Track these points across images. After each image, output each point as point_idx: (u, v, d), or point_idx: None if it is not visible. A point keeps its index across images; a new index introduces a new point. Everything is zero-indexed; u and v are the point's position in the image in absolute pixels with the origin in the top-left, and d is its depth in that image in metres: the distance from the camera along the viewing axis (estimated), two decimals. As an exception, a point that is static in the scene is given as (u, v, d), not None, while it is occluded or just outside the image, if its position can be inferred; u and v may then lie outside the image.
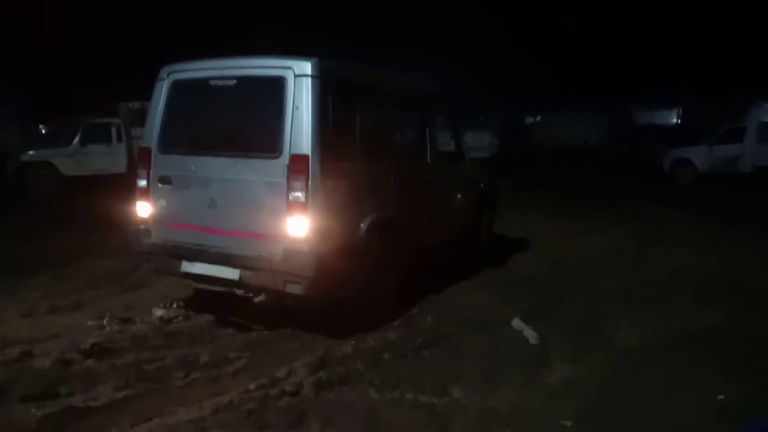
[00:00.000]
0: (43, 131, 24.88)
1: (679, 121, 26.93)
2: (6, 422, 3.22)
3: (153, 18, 26.60)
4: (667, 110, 27.49)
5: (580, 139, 26.15)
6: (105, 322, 4.83)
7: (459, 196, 6.55)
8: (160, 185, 4.77)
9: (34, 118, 23.50)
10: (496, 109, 26.73)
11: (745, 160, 14.97)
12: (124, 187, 13.61)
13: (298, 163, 4.17)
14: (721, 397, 3.58)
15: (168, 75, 4.83)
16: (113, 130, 14.86)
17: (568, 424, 3.33)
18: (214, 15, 27.76)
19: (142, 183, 4.85)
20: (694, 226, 9.23)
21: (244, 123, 4.61)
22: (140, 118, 15.54)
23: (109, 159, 14.66)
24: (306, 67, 4.25)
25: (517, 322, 4.94)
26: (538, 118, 29.55)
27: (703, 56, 29.58)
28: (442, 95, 6.71)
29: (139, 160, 4.96)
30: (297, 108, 4.20)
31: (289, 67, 4.28)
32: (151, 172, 4.81)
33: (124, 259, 6.90)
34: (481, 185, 7.14)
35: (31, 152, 14.27)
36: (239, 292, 4.58)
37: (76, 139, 14.39)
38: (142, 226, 4.87)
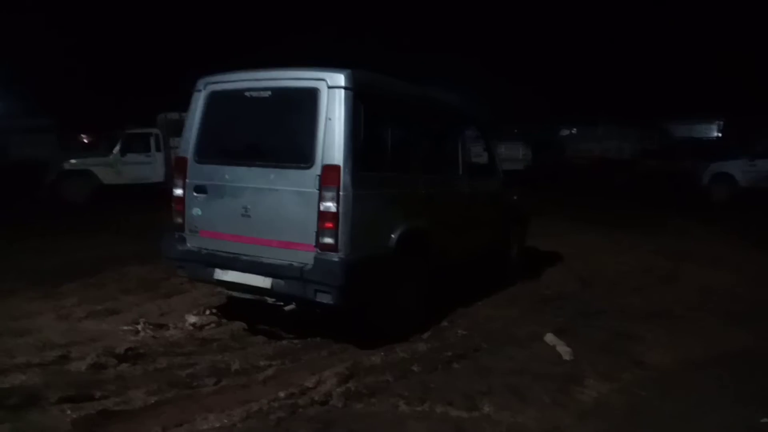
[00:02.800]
0: (85, 141, 25.67)
1: (720, 134, 26.25)
2: (41, 424, 3.29)
3: (191, 31, 27.23)
4: (706, 123, 26.82)
5: (613, 152, 25.70)
6: (139, 327, 4.91)
7: (490, 209, 6.52)
8: (195, 194, 4.86)
9: (74, 129, 24.21)
10: (531, 122, 26.52)
11: (789, 176, 14.53)
12: (161, 196, 14.03)
13: (329, 173, 4.21)
14: (765, 420, 3.45)
15: (205, 86, 4.94)
16: (152, 140, 15.23)
17: (600, 442, 3.26)
18: (250, 27, 28.28)
19: (178, 192, 4.95)
20: (730, 245, 9.00)
21: (278, 133, 4.68)
22: (178, 129, 15.88)
23: (148, 168, 15.02)
24: (339, 78, 4.29)
25: (550, 337, 4.87)
26: (574, 130, 29.17)
27: (746, 68, 28.90)
28: (474, 109, 6.73)
29: (175, 169, 5.06)
30: (329, 119, 4.25)
31: (323, 79, 4.33)
32: (187, 181, 4.91)
33: (159, 267, 7.05)
34: (514, 198, 7.09)
35: (72, 161, 14.72)
36: (270, 300, 4.63)
37: (116, 148, 14.80)
38: (177, 234, 4.97)
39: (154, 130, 15.51)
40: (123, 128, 15.40)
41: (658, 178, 19.00)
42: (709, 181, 16.25)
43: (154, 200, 13.13)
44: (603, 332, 5.17)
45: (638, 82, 31.79)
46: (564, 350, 4.65)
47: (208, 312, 5.25)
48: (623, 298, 6.34)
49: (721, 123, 26.73)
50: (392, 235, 4.66)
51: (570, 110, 30.37)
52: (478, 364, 4.40)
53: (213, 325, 5.04)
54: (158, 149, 15.25)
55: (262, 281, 4.48)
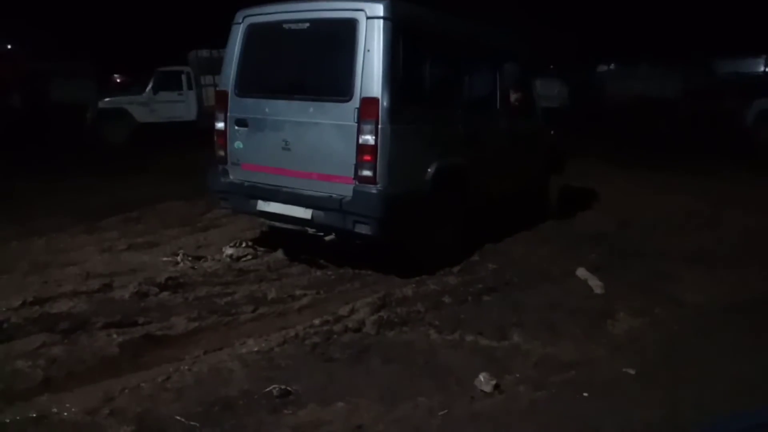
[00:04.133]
0: (118, 80, 25.83)
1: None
2: (90, 347, 3.44)
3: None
4: (753, 58, 25.47)
5: (656, 91, 24.74)
6: (179, 258, 5.06)
7: (528, 147, 6.41)
8: (236, 127, 4.92)
9: (109, 70, 24.32)
10: (568, 58, 25.61)
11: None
12: (194, 135, 14.18)
13: (368, 106, 4.21)
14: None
15: (243, 19, 4.92)
16: (183, 78, 15.23)
17: (632, 372, 3.28)
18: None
19: (220, 125, 5.02)
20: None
21: (317, 66, 4.67)
22: (209, 66, 15.86)
23: (180, 106, 15.11)
24: (378, 8, 4.23)
25: (582, 272, 4.86)
26: (612, 66, 28.06)
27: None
28: (514, 44, 6.52)
29: (216, 103, 5.11)
30: (368, 51, 4.21)
31: (361, 9, 4.27)
32: (228, 114, 4.95)
33: (196, 203, 7.22)
34: (551, 137, 6.95)
35: (107, 99, 14.86)
36: (311, 230, 4.74)
37: (149, 87, 14.87)
38: (220, 167, 5.05)
39: (186, 68, 15.48)
40: (154, 67, 15.40)
41: (702, 118, 18.28)
42: (753, 120, 15.56)
43: (189, 139, 13.38)
44: (639, 271, 5.13)
45: (680, 17, 30.17)
46: (596, 284, 4.65)
47: (244, 245, 5.36)
48: (662, 239, 6.23)
49: (769, 57, 25.37)
50: (429, 170, 4.68)
51: (610, 48, 29.16)
52: (509, 297, 4.44)
53: (249, 257, 5.15)
54: (190, 87, 15.27)
55: (303, 212, 4.58)
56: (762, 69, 24.86)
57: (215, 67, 16.30)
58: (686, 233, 6.51)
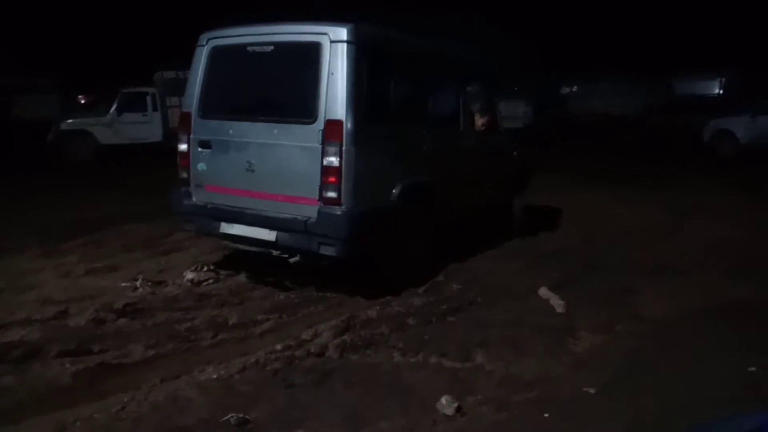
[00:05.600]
0: (82, 101, 25.44)
1: (722, 91, 25.89)
2: (42, 377, 3.35)
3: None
4: (709, 80, 26.43)
5: (618, 109, 25.40)
6: (138, 283, 4.95)
7: (492, 164, 6.49)
8: (199, 149, 4.90)
9: (74, 89, 23.95)
10: (532, 79, 26.15)
11: (789, 132, 14.34)
12: (159, 155, 14.00)
13: (332, 128, 4.24)
14: (753, 369, 3.50)
15: (207, 41, 4.93)
16: (148, 99, 15.09)
17: (592, 391, 3.30)
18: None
19: (183, 147, 4.99)
20: (732, 200, 8.94)
21: (281, 88, 4.70)
22: (175, 87, 15.74)
23: (145, 128, 14.94)
24: (341, 33, 4.28)
25: (543, 291, 4.90)
26: (575, 88, 28.77)
27: (748, 24, 28.31)
28: (477, 64, 6.64)
29: (180, 125, 5.09)
30: (332, 74, 4.25)
31: (325, 33, 4.32)
32: (191, 136, 4.93)
33: (159, 225, 7.10)
34: (515, 154, 7.05)
35: (69, 121, 14.62)
36: (275, 252, 4.74)
37: (113, 108, 14.68)
38: (183, 189, 5.01)
39: (151, 89, 15.34)
40: (119, 88, 15.22)
41: (662, 135, 18.80)
42: (710, 138, 16.09)
43: (154, 159, 13.20)
44: (602, 286, 5.19)
45: (642, 38, 31.14)
46: (557, 303, 4.69)
47: (206, 268, 5.28)
48: (625, 252, 6.34)
49: (724, 79, 26.33)
50: (394, 190, 4.71)
51: (573, 67, 29.87)
52: (473, 317, 4.45)
53: (211, 281, 5.08)
54: (155, 108, 15.12)
55: (268, 234, 4.58)
56: (716, 90, 25.80)
57: (181, 87, 16.19)
58: (648, 245, 6.64)
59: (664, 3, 31.47)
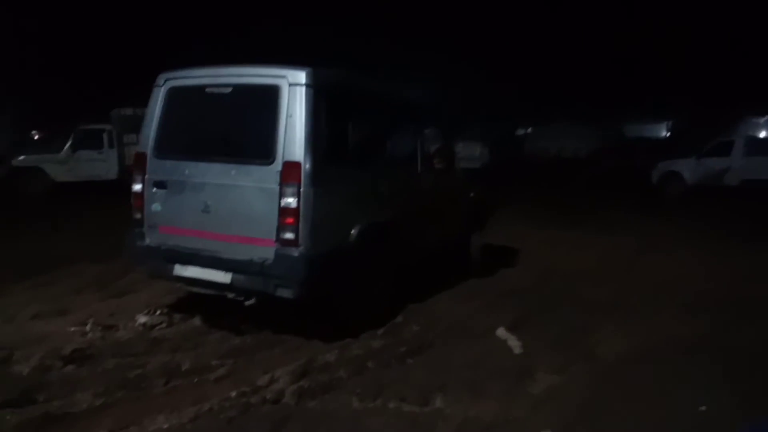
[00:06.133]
0: (35, 137, 24.88)
1: (669, 134, 27.12)
2: (-20, 429, 3.18)
3: (146, 26, 26.61)
4: (656, 123, 27.69)
5: (571, 151, 26.30)
6: (88, 328, 4.79)
7: (449, 204, 6.57)
8: (155, 189, 4.82)
9: (28, 125, 23.47)
10: (488, 120, 26.86)
11: (732, 174, 15.08)
12: (114, 194, 13.68)
13: (290, 169, 4.25)
14: (703, 408, 3.58)
15: (165, 82, 4.91)
16: (105, 137, 14.87)
17: (549, 433, 3.32)
18: (207, 22, 27.81)
19: (137, 187, 4.91)
20: (681, 239, 9.27)
21: (239, 130, 4.70)
22: (132, 125, 15.56)
23: (100, 165, 14.69)
24: (300, 76, 4.33)
25: (501, 332, 4.94)
26: (529, 129, 29.72)
27: (695, 70, 29.86)
28: (435, 106, 6.78)
29: (135, 165, 5.01)
30: (290, 116, 4.28)
31: (284, 76, 4.37)
32: (146, 176, 4.86)
33: (111, 265, 6.89)
34: (471, 195, 7.17)
35: (21, 157, 14.26)
36: (230, 295, 4.64)
37: (67, 144, 14.40)
38: (137, 230, 4.91)
39: (107, 126, 15.14)
40: (75, 124, 14.96)
41: (613, 176, 19.47)
42: (658, 180, 16.72)
43: (108, 198, 12.90)
44: (558, 325, 5.26)
45: (595, 83, 32.47)
46: (515, 344, 4.73)
47: (159, 312, 5.15)
48: (580, 291, 6.44)
49: (670, 123, 27.63)
50: (353, 230, 4.71)
51: (527, 109, 30.88)
52: (432, 359, 4.44)
53: (164, 324, 4.94)
54: (111, 146, 14.89)
55: (223, 276, 4.50)
56: (663, 133, 27.04)
57: (138, 125, 16.03)
58: (601, 284, 6.76)
59: (614, 50, 32.93)
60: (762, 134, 19.31)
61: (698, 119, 23.25)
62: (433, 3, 33.10)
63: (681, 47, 30.37)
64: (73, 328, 4.81)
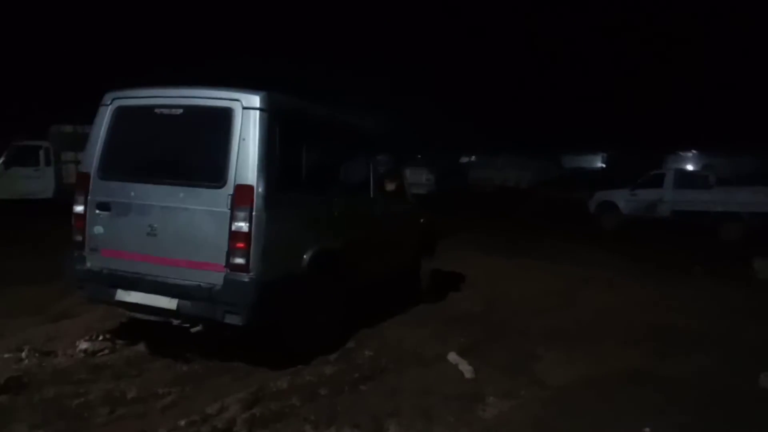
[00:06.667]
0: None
1: (604, 165, 28.38)
2: None
3: (88, 42, 25.92)
4: (592, 155, 28.96)
5: (513, 181, 27.10)
6: (24, 354, 4.55)
7: (401, 230, 6.65)
8: (97, 211, 4.66)
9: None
10: (432, 148, 27.40)
11: (663, 205, 15.77)
12: (50, 213, 13.12)
13: (242, 193, 4.18)
14: (647, 429, 3.72)
15: (112, 101, 4.79)
16: (41, 154, 14.27)
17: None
18: (152, 43, 27.33)
19: (79, 208, 4.73)
20: (620, 269, 9.66)
21: (189, 152, 4.62)
22: (71, 142, 15.04)
23: (36, 183, 14.08)
24: (254, 100, 4.31)
25: (453, 356, 4.99)
26: (473, 158, 30.46)
27: (630, 105, 31.46)
28: (386, 133, 6.88)
29: (77, 185, 4.82)
30: (243, 139, 4.24)
31: (237, 99, 4.33)
32: (89, 197, 4.70)
33: (47, 288, 6.60)
34: (422, 221, 7.27)
35: (-52, 173, 13.49)
36: (176, 322, 4.50)
37: (0, 161, 13.73)
38: (77, 253, 4.72)
39: (44, 143, 14.55)
40: (9, 140, 14.31)
41: (552, 205, 20.11)
42: (595, 209, 17.36)
43: (44, 217, 12.35)
44: (505, 352, 5.35)
45: (534, 116, 33.70)
46: (466, 368, 4.78)
47: (101, 337, 4.94)
48: (524, 319, 6.58)
49: (605, 155, 28.94)
50: (305, 256, 4.68)
51: (471, 138, 31.67)
52: (385, 385, 4.43)
53: (107, 351, 4.75)
54: (48, 163, 14.30)
55: (168, 302, 4.35)
56: (599, 164, 28.29)
57: (78, 142, 15.57)
58: (546, 313, 6.94)
59: (553, 84, 34.34)
60: (690, 167, 20.43)
61: (631, 152, 24.42)
62: (379, 32, 33.74)
63: (617, 83, 32.02)
64: (7, 355, 4.56)
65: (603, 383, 4.69)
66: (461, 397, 4.25)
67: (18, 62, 24.16)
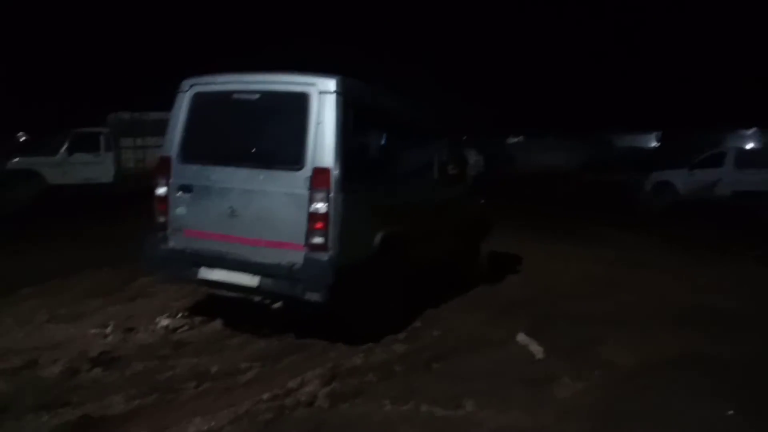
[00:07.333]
0: (22, 139, 24.64)
1: (659, 144, 27.46)
2: (18, 432, 3.17)
3: (146, 33, 26.53)
4: (646, 134, 28.05)
5: (562, 162, 26.50)
6: (108, 330, 4.77)
7: (462, 215, 6.68)
8: (179, 193, 4.83)
9: (16, 130, 23.23)
10: (480, 129, 27.04)
11: (723, 185, 15.27)
12: (110, 197, 13.63)
13: (320, 175, 4.29)
14: (731, 412, 3.66)
15: (190, 87, 4.93)
16: (102, 140, 14.75)
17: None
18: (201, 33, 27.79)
19: (161, 191, 4.90)
20: (669, 253, 9.44)
21: (267, 136, 4.71)
22: (130, 129, 15.51)
23: (97, 168, 14.58)
24: (330, 84, 4.40)
25: (522, 337, 5.00)
26: (521, 138, 29.96)
27: (687, 83, 30.38)
28: (444, 117, 6.89)
29: (158, 169, 4.99)
30: (320, 123, 4.34)
31: (313, 84, 4.43)
32: (171, 180, 4.86)
33: (118, 270, 6.87)
34: (482, 202, 7.28)
35: (16, 160, 14.10)
36: (257, 298, 4.69)
37: (63, 147, 14.28)
38: (160, 233, 4.90)
39: (104, 130, 15.04)
40: (71, 127, 14.86)
41: (603, 188, 19.67)
42: (650, 190, 16.92)
43: (105, 201, 12.83)
44: (569, 335, 5.31)
45: (583, 95, 32.90)
46: (536, 349, 4.79)
47: (180, 315, 5.14)
48: (580, 302, 6.49)
49: (659, 134, 27.97)
50: (375, 238, 4.77)
51: (518, 122, 31.17)
52: (457, 365, 4.48)
53: (186, 327, 4.94)
54: (108, 149, 14.79)
55: (250, 279, 4.50)
56: (653, 144, 27.39)
57: (136, 129, 16.09)
58: (603, 297, 6.82)
59: (604, 62, 33.42)
60: (751, 146, 19.66)
61: (688, 131, 23.54)
62: (424, 9, 33.42)
63: (672, 58, 30.93)
64: (93, 331, 4.79)
65: (673, 367, 4.64)
66: (534, 378, 4.26)
67: (77, 52, 24.96)
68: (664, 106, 29.35)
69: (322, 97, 4.37)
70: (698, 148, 17.42)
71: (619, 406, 3.90)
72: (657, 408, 3.84)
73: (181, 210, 4.82)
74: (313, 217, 4.31)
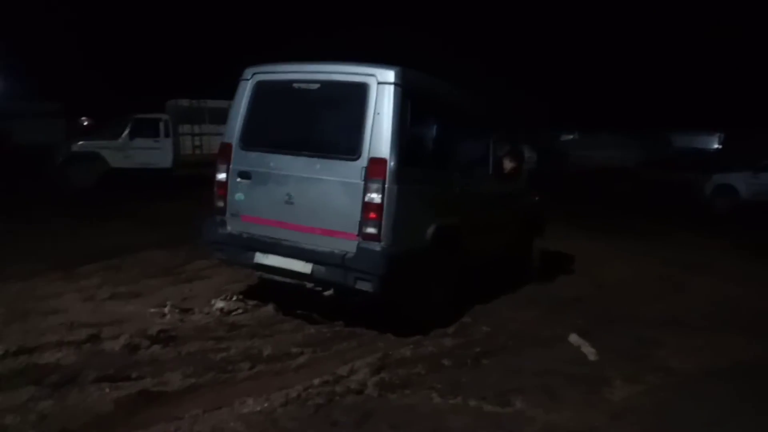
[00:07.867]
0: (84, 123, 25.64)
1: (721, 146, 26.36)
2: (82, 403, 3.30)
3: (200, 20, 27.15)
4: (707, 135, 26.96)
5: (617, 161, 25.77)
6: (166, 310, 4.93)
7: (514, 210, 6.60)
8: (239, 179, 4.94)
9: (80, 114, 24.18)
10: (534, 124, 26.58)
11: (791, 191, 14.55)
12: (168, 182, 14.04)
13: (376, 165, 4.32)
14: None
15: (252, 75, 5.03)
16: (161, 126, 15.19)
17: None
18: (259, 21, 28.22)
19: (221, 176, 5.02)
20: (734, 257, 9.11)
21: (325, 125, 4.78)
22: (188, 116, 15.94)
23: (156, 153, 15.00)
24: (389, 75, 4.41)
25: (574, 338, 4.92)
26: (575, 135, 29.26)
27: (747, 82, 29.10)
28: (504, 114, 6.80)
29: (219, 155, 5.11)
30: (378, 113, 4.36)
31: (373, 75, 4.45)
32: (231, 166, 4.97)
33: (175, 252, 7.10)
34: (535, 199, 7.17)
35: (80, 142, 14.68)
36: (309, 285, 4.77)
37: (125, 132, 14.77)
38: (218, 218, 5.03)
39: (164, 116, 15.48)
40: (132, 113, 15.36)
41: (659, 188, 19.07)
42: (711, 192, 16.29)
43: (161, 187, 13.24)
44: (623, 336, 5.21)
45: (641, 92, 31.94)
46: (589, 351, 4.70)
47: (234, 298, 5.26)
48: (637, 304, 6.38)
49: (722, 135, 26.84)
50: (428, 230, 4.76)
51: (572, 118, 30.48)
52: (506, 362, 4.44)
53: (240, 310, 5.05)
54: (167, 135, 15.22)
55: (303, 266, 4.59)
56: (714, 146, 26.30)
57: (194, 117, 16.52)
58: (659, 299, 6.70)
59: (664, 59, 32.32)
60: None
61: (751, 132, 22.50)
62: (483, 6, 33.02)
63: (738, 56, 29.65)
64: (152, 309, 4.96)
65: (732, 374, 4.52)
66: (586, 379, 4.19)
67: (140, 42, 25.76)
68: (727, 106, 28.18)
69: (381, 88, 4.39)
70: (764, 150, 16.65)
71: (673, 412, 3.81)
72: (713, 416, 3.72)
73: (239, 196, 4.93)
74: (368, 206, 4.34)
